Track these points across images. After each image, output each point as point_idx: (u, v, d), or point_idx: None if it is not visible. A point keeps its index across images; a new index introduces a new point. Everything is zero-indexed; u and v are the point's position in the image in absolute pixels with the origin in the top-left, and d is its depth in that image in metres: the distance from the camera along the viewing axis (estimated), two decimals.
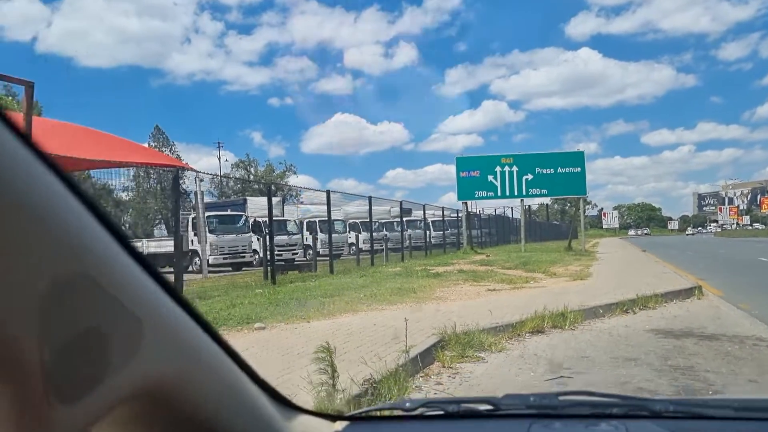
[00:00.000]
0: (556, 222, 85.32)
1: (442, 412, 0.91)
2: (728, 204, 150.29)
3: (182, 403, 0.56)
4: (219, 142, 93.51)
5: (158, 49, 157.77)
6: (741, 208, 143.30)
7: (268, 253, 15.57)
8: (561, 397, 0.92)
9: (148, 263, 0.53)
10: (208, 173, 20.81)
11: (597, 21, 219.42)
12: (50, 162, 0.45)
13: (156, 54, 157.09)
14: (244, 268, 21.78)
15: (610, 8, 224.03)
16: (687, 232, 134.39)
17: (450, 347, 6.20)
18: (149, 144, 60.82)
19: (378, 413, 0.98)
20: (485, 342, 6.51)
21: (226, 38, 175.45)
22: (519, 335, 7.25)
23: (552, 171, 29.59)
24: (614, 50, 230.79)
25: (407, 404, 0.94)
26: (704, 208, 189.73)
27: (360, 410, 0.95)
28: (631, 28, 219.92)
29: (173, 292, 0.56)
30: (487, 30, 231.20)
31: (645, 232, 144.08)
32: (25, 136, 0.43)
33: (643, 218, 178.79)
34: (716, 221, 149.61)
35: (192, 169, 18.00)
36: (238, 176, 61.48)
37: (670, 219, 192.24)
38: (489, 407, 0.93)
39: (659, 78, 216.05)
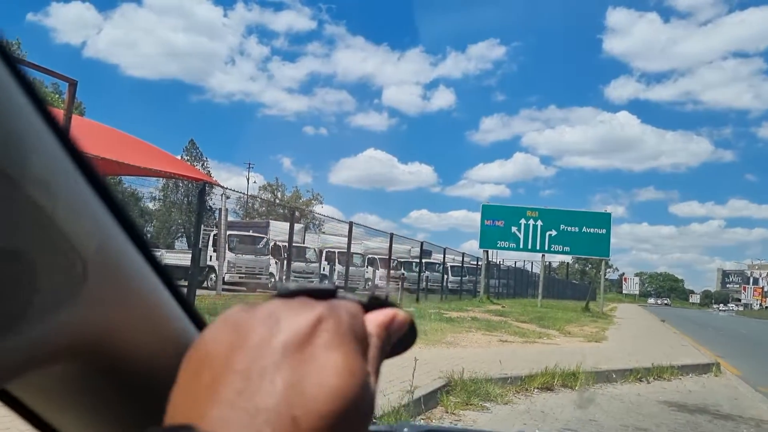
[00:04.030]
0: (575, 282, 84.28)
1: None
2: (753, 284, 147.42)
3: (124, 359, 0.48)
4: (249, 163, 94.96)
5: (202, 66, 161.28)
6: (765, 289, 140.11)
7: (284, 277, 15.54)
8: None
9: (109, 194, 0.44)
10: (235, 191, 20.89)
11: (637, 86, 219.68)
12: (83, 160, 0.41)
13: (199, 71, 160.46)
14: (258, 290, 21.75)
15: (652, 75, 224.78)
16: (721, 309, 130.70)
17: (455, 393, 6.05)
18: (182, 157, 61.71)
19: None
20: (492, 392, 6.35)
21: (270, 63, 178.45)
22: (527, 390, 7.08)
23: (576, 229, 29.30)
24: (652, 116, 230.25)
25: (405, 430, 0.87)
26: (728, 285, 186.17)
27: None
28: (671, 97, 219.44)
29: (131, 227, 0.46)
30: (527, 83, 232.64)
31: (665, 302, 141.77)
32: (63, 131, 0.39)
33: (665, 288, 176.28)
34: (739, 300, 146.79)
35: (220, 186, 18.15)
36: (264, 198, 61.88)
37: (692, 292, 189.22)
38: None
39: (696, 149, 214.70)
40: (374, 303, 0.41)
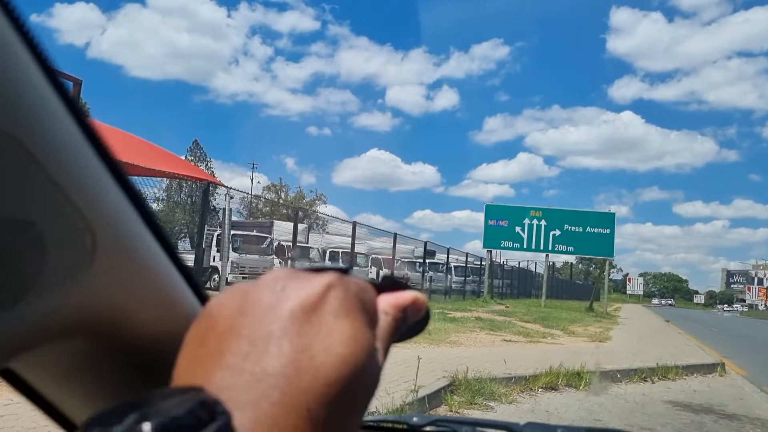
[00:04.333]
0: (579, 282, 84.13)
1: None
2: (757, 284, 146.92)
3: (131, 335, 0.47)
4: (253, 163, 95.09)
5: (206, 66, 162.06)
6: None
7: None
8: None
9: (116, 165, 0.42)
10: (239, 190, 20.90)
11: (641, 86, 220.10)
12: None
13: (203, 71, 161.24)
14: None
15: (656, 75, 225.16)
16: (725, 309, 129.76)
17: (459, 392, 6.04)
18: (186, 157, 61.80)
19: (380, 425, 0.89)
20: (496, 392, 6.33)
21: (274, 63, 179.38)
22: (531, 389, 7.05)
23: (580, 229, 29.26)
24: (656, 116, 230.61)
25: (414, 419, 0.86)
26: (732, 286, 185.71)
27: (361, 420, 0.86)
28: (675, 97, 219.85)
29: (140, 204, 0.45)
30: (531, 83, 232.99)
31: (669, 302, 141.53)
32: (72, 102, 0.38)
33: (669, 288, 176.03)
34: (744, 300, 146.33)
35: (224, 186, 18.15)
36: (268, 198, 61.90)
37: (697, 292, 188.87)
38: None
39: (700, 149, 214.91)
40: (389, 284, 0.40)
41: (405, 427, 0.84)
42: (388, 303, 0.38)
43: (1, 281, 0.33)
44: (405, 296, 0.39)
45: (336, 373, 0.30)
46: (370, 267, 30.29)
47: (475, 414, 5.62)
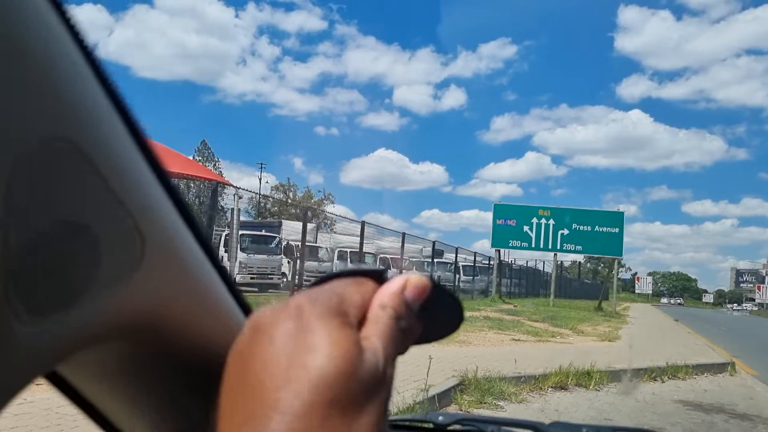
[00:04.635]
0: (587, 281, 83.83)
1: None
2: (767, 283, 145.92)
3: (176, 340, 0.48)
4: (261, 163, 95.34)
5: (214, 67, 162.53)
6: None
7: (297, 276, 15.54)
8: None
9: (165, 175, 0.43)
10: (247, 190, 20.93)
11: (649, 84, 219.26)
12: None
13: (211, 72, 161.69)
14: (270, 290, 21.76)
15: (664, 73, 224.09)
16: (734, 308, 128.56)
17: (469, 392, 6.04)
18: (194, 157, 61.90)
19: (404, 424, 0.90)
20: (506, 391, 6.34)
21: (281, 63, 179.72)
22: (541, 389, 7.05)
23: (589, 228, 29.15)
24: (665, 115, 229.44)
25: (440, 418, 0.86)
26: (741, 285, 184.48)
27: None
28: (684, 95, 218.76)
29: (185, 210, 0.46)
30: (538, 82, 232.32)
31: (678, 301, 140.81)
32: (125, 107, 0.39)
33: (678, 288, 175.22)
34: (753, 299, 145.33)
35: (232, 185, 18.18)
36: (276, 198, 61.96)
37: (706, 292, 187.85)
38: None
39: (709, 148, 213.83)
40: (381, 272, 0.39)
41: (431, 426, 0.85)
42: (385, 294, 0.37)
43: (56, 283, 0.33)
44: (395, 283, 0.38)
45: (316, 382, 0.30)
46: (379, 266, 30.19)
47: (484, 413, 5.62)
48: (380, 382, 0.33)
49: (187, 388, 0.53)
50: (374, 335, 0.35)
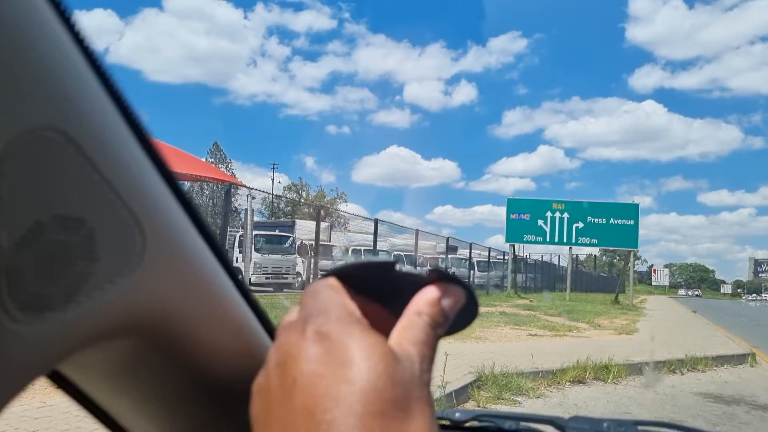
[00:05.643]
0: (603, 274, 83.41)
1: (496, 428, 0.82)
2: None
3: (181, 340, 0.46)
4: (274, 164, 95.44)
5: (224, 68, 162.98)
6: None
7: (312, 276, 15.56)
8: (640, 427, 0.81)
9: (167, 169, 0.42)
10: (260, 190, 21.00)
11: (662, 74, 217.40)
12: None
13: (222, 73, 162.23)
14: (285, 290, 21.82)
15: (677, 62, 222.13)
16: (750, 299, 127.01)
17: (486, 388, 6.03)
18: (207, 159, 62.23)
19: None
20: (523, 386, 6.31)
21: (291, 63, 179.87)
22: (559, 383, 7.02)
23: (604, 221, 29.01)
24: (679, 105, 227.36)
25: (457, 414, 0.85)
26: (760, 275, 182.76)
27: None
28: (698, 84, 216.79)
29: (191, 209, 0.45)
30: (550, 75, 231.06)
31: (696, 293, 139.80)
32: (124, 101, 0.38)
33: (695, 279, 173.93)
34: None
35: (245, 186, 18.26)
36: (289, 197, 62.15)
37: (723, 282, 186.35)
38: (553, 429, 0.82)
39: (725, 137, 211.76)
40: (436, 277, 0.39)
41: (448, 423, 0.84)
42: (422, 301, 0.37)
43: (51, 280, 0.33)
44: (436, 291, 0.38)
45: (363, 393, 0.30)
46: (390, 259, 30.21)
47: (502, 409, 5.60)
48: (422, 386, 0.33)
49: (194, 389, 0.52)
50: (407, 341, 0.35)
